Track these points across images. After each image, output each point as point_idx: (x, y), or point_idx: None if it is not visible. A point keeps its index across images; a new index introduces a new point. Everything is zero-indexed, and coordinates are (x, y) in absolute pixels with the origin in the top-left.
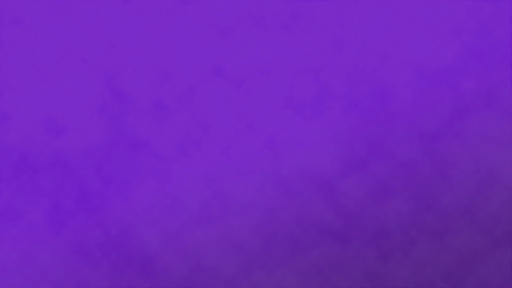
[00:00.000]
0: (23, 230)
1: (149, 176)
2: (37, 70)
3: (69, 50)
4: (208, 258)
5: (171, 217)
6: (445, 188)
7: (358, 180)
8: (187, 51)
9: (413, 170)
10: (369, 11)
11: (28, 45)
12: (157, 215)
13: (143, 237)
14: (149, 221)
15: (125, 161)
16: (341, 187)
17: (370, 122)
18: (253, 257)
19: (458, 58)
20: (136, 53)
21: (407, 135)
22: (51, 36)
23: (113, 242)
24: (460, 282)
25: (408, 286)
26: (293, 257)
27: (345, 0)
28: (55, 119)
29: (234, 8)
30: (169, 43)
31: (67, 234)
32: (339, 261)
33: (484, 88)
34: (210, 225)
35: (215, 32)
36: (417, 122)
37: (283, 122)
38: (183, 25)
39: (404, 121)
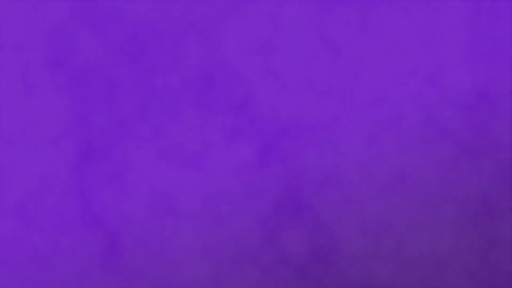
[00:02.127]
0: (24, 228)
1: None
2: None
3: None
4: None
5: (168, 218)
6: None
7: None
8: (183, 47)
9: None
10: (368, 12)
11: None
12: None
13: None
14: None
15: (124, 160)
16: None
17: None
18: (250, 260)
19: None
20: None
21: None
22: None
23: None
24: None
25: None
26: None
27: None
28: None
29: (229, 7)
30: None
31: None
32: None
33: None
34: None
35: (209, 30)
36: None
37: (282, 122)
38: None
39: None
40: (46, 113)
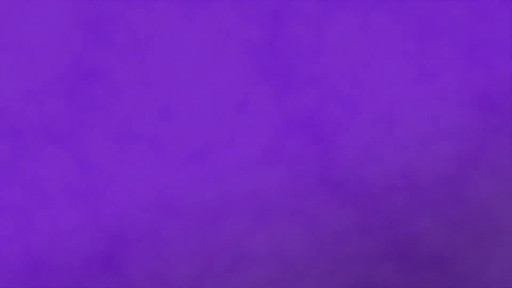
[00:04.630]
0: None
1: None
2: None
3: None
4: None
5: (168, 218)
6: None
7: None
8: (185, 49)
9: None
10: (368, 12)
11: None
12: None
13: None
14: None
15: (124, 160)
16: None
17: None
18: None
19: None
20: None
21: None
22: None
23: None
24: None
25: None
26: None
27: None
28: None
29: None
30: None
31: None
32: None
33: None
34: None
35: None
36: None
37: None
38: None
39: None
40: (46, 112)
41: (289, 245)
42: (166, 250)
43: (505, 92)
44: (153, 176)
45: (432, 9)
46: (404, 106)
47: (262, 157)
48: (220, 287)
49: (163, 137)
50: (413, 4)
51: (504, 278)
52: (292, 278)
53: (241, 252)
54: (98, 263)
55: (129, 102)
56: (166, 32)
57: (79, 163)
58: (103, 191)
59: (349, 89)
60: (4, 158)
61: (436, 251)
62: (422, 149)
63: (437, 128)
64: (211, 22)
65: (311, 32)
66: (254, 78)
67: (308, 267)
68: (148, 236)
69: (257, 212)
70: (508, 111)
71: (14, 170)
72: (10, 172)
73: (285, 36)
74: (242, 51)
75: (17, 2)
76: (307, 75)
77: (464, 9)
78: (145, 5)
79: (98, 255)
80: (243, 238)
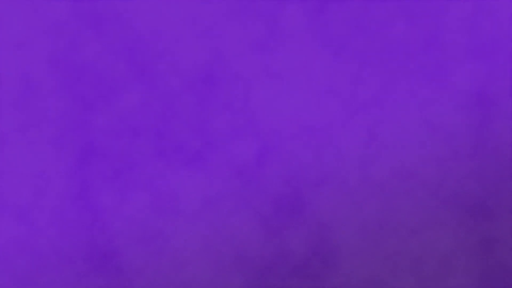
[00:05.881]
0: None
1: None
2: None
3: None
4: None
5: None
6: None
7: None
8: (181, 52)
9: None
10: (368, 12)
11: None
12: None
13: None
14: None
15: (124, 160)
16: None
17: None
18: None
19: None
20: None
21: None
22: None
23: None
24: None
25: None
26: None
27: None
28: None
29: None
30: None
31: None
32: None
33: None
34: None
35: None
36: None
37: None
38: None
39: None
40: (46, 113)
41: (289, 245)
42: (166, 249)
43: (505, 92)
44: (153, 176)
45: (432, 8)
46: (403, 106)
47: (261, 157)
48: (220, 286)
49: (164, 136)
50: (412, 3)
51: (503, 278)
52: (292, 278)
53: (241, 252)
54: (98, 263)
55: (130, 101)
56: (166, 32)
57: (78, 162)
58: (103, 191)
59: (348, 89)
60: (4, 157)
61: (436, 250)
62: (421, 149)
63: (436, 128)
64: (211, 22)
65: (308, 30)
66: (253, 77)
67: (308, 266)
68: (148, 236)
69: (257, 212)
70: (508, 111)
71: (14, 169)
72: (10, 172)
73: (281, 34)
74: (241, 51)
75: (17, 2)
76: (303, 75)
77: (464, 8)
78: (145, 4)
79: (98, 255)
80: (243, 238)
